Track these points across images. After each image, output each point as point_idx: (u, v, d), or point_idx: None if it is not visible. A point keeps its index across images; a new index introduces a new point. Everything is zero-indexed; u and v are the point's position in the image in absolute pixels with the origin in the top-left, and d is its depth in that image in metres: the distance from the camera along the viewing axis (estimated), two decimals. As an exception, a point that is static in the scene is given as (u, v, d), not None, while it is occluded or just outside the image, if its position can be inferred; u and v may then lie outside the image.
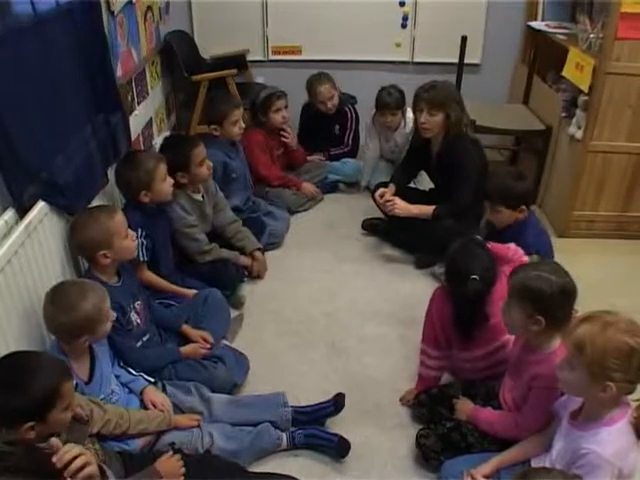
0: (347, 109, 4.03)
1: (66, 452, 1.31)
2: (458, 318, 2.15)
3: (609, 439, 1.52)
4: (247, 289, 3.01)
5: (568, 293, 1.77)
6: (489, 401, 2.08)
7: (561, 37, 3.55)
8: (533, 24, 3.86)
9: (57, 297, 1.85)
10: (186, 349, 2.36)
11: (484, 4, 4.18)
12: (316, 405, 2.24)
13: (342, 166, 4.04)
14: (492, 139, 4.04)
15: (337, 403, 2.23)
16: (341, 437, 2.13)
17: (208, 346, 2.39)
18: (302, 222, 3.70)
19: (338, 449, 2.11)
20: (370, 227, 3.52)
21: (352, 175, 4.04)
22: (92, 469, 1.36)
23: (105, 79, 2.61)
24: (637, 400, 1.56)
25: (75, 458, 1.32)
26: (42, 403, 1.46)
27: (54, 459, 1.28)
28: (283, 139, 3.81)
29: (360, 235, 3.54)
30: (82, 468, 1.32)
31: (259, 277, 3.11)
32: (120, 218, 2.23)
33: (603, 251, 3.37)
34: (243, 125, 3.38)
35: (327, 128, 4.08)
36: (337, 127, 4.08)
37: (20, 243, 1.85)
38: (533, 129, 3.71)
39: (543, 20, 3.84)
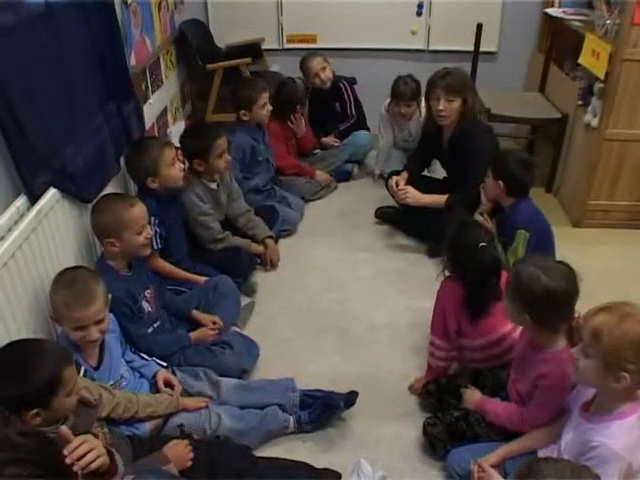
0: (341, 84, 4.07)
1: (76, 447, 1.32)
2: (472, 297, 2.13)
3: (620, 433, 1.52)
4: (259, 277, 3.03)
5: (554, 298, 1.74)
6: (497, 391, 2.08)
7: (578, 24, 3.50)
8: (550, 11, 3.81)
9: (56, 286, 1.87)
10: (196, 334, 2.40)
11: (501, -10, 4.13)
12: (326, 392, 2.23)
13: (354, 139, 4.09)
14: (508, 128, 4.01)
15: (348, 399, 2.21)
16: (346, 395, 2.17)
17: (217, 328, 2.42)
18: (315, 210, 3.71)
19: (346, 404, 2.15)
20: (383, 215, 3.52)
21: (366, 145, 4.10)
22: (102, 460, 1.37)
23: (118, 68, 2.64)
24: None
25: (86, 453, 1.33)
26: (44, 390, 1.47)
27: (65, 452, 1.29)
28: (290, 124, 3.83)
29: (373, 224, 3.54)
30: (92, 462, 1.33)
31: (273, 266, 3.12)
32: (137, 212, 2.22)
33: (618, 241, 3.33)
34: (270, 107, 3.42)
35: (328, 107, 4.13)
36: (337, 104, 4.13)
37: (31, 229, 1.88)
38: (549, 117, 3.67)
39: (560, 7, 3.78)
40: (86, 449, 1.32)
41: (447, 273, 2.26)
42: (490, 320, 2.15)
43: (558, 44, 3.85)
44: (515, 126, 4.13)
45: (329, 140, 4.14)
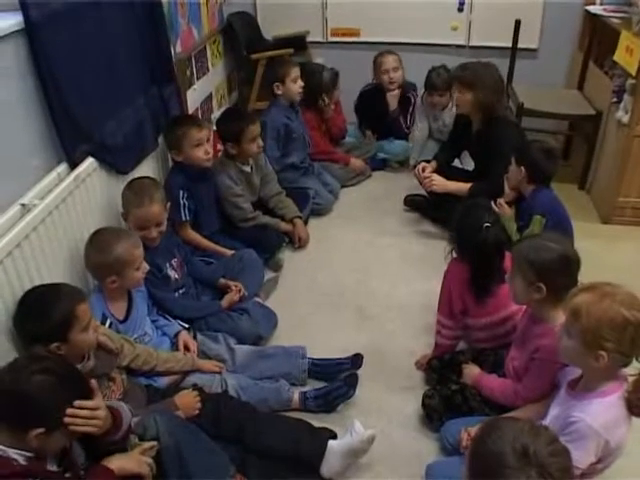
0: (410, 95, 4.09)
1: (84, 407, 1.45)
2: (476, 276, 2.21)
3: (599, 410, 1.55)
4: (287, 254, 3.18)
5: (568, 261, 1.82)
6: (496, 369, 2.15)
7: (615, 21, 3.49)
8: (590, 8, 3.80)
9: (95, 238, 2.09)
10: (225, 302, 2.57)
11: (542, -12, 4.14)
12: (333, 359, 2.39)
13: (389, 144, 4.14)
14: (547, 124, 3.99)
15: (354, 362, 2.37)
16: (345, 377, 2.28)
17: (239, 292, 2.60)
18: (348, 196, 3.84)
19: (349, 386, 2.25)
20: (412, 203, 3.62)
21: (399, 154, 4.13)
22: (92, 430, 1.48)
23: (160, 53, 2.84)
24: (633, 375, 1.58)
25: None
26: (61, 325, 1.67)
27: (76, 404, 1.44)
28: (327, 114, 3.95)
29: (402, 211, 3.64)
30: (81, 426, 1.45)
31: (302, 244, 3.27)
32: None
33: (647, 239, 3.32)
34: (301, 83, 3.58)
35: (393, 119, 4.16)
36: (401, 118, 4.16)
37: (68, 192, 2.10)
38: (581, 114, 3.68)
39: (602, 4, 3.76)
40: (85, 414, 1.45)
41: (455, 254, 2.36)
42: (494, 300, 2.22)
43: (598, 42, 3.84)
44: (555, 123, 4.13)
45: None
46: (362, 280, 3.02)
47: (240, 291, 2.60)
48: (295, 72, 3.55)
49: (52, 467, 1.48)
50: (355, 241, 3.35)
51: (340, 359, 2.40)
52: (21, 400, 1.36)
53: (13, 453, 1.38)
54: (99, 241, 2.08)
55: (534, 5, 4.17)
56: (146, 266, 2.18)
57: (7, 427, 1.38)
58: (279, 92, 3.54)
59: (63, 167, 2.16)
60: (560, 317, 1.82)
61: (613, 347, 1.49)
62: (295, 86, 3.55)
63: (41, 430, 1.35)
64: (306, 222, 3.40)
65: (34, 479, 1.39)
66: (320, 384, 2.33)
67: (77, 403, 1.43)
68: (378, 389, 2.36)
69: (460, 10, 4.29)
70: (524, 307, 2.14)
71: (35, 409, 1.37)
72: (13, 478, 1.37)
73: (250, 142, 3.03)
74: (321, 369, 2.37)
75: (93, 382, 1.55)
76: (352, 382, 2.28)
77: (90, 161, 2.25)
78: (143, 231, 2.34)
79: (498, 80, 3.06)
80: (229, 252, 2.86)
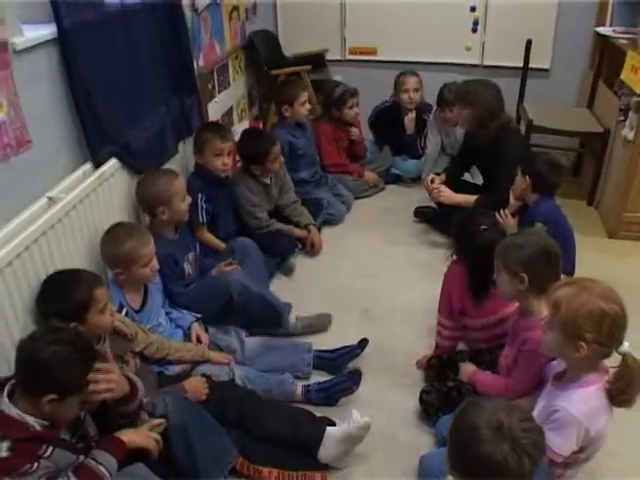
0: (426, 117, 4.18)
1: (102, 371, 1.59)
2: (474, 278, 2.30)
3: (581, 399, 1.63)
4: (299, 259, 3.31)
5: (549, 252, 1.93)
6: (492, 368, 2.22)
7: (623, 42, 3.59)
8: (600, 30, 3.91)
9: (110, 230, 2.24)
10: (214, 271, 2.72)
11: (554, 9, 4.24)
12: (338, 348, 2.51)
13: (402, 162, 4.26)
14: (560, 142, 4.06)
15: (356, 348, 2.50)
16: (350, 372, 2.39)
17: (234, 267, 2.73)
18: (361, 207, 3.96)
19: (353, 381, 2.35)
20: (421, 215, 3.73)
21: (412, 172, 4.24)
22: (111, 395, 1.62)
23: (183, 66, 3.01)
24: (614, 367, 1.65)
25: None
26: (79, 306, 1.81)
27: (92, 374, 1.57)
28: (352, 136, 4.07)
29: (412, 222, 3.75)
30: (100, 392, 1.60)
31: (315, 251, 3.38)
32: (181, 182, 2.58)
33: (653, 253, 3.37)
34: (309, 106, 3.71)
35: (410, 140, 4.27)
36: (418, 139, 4.26)
37: (92, 189, 2.25)
38: (590, 131, 3.77)
39: (611, 26, 3.87)
40: (101, 378, 1.59)
41: (454, 257, 2.46)
42: (492, 302, 2.31)
43: (608, 62, 3.93)
44: (567, 140, 4.20)
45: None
46: (370, 285, 3.13)
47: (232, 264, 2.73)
48: (304, 96, 3.65)
49: (65, 436, 1.60)
50: (365, 249, 3.47)
51: (345, 346, 2.51)
52: (37, 367, 1.48)
53: (30, 420, 1.50)
54: (112, 234, 2.23)
55: (546, 26, 4.27)
56: (156, 264, 2.29)
57: (24, 392, 1.51)
58: (287, 114, 3.65)
59: (88, 166, 2.32)
60: (544, 309, 1.91)
61: (592, 338, 1.57)
62: (303, 109, 3.65)
63: (54, 396, 1.47)
64: (319, 230, 3.51)
65: (49, 445, 1.51)
66: (324, 378, 2.43)
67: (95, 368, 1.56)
68: (379, 385, 2.45)
69: (474, 31, 4.42)
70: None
71: (49, 376, 1.48)
72: (31, 442, 1.49)
73: (273, 162, 3.18)
74: (325, 354, 2.50)
75: (107, 351, 1.68)
76: (356, 378, 2.37)
77: (113, 162, 2.41)
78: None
79: (492, 98, 3.14)
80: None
